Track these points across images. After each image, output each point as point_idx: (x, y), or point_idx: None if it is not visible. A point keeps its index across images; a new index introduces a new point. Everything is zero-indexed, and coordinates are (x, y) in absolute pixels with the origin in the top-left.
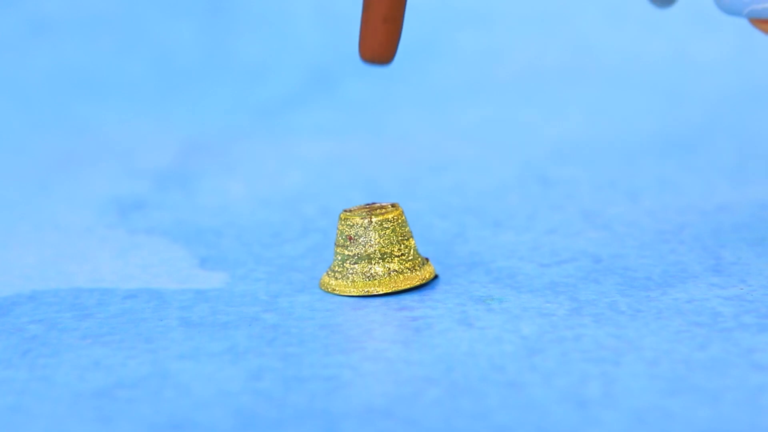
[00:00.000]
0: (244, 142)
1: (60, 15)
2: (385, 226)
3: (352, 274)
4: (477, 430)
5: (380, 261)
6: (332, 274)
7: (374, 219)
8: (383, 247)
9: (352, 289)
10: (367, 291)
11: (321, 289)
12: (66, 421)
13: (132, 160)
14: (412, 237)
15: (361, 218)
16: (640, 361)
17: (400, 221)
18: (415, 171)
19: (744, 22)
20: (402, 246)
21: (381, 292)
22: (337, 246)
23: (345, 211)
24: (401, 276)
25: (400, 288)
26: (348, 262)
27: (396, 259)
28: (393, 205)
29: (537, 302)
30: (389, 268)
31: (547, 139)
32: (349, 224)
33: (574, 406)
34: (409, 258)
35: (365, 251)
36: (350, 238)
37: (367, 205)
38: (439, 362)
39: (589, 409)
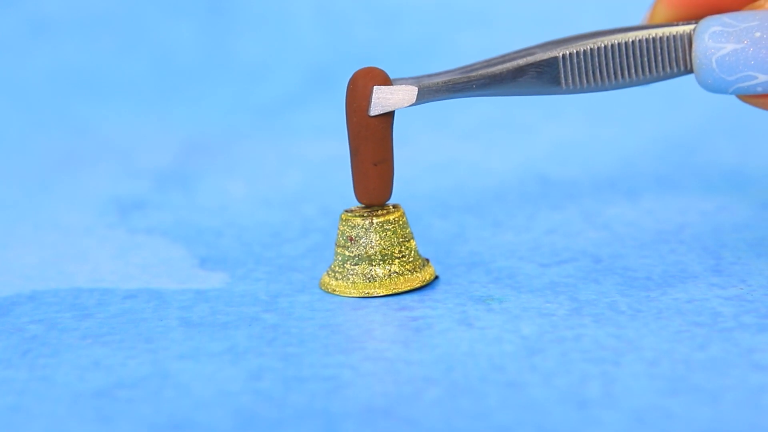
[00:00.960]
0: (244, 142)
1: (60, 15)
2: (386, 227)
3: (352, 275)
4: (477, 430)
5: (381, 262)
6: (332, 274)
7: (375, 220)
8: (384, 248)
9: (352, 290)
10: (368, 293)
11: (321, 289)
12: (66, 421)
13: (132, 160)
14: (413, 238)
15: (362, 219)
16: (640, 361)
17: (401, 222)
18: (415, 171)
19: None
20: (403, 247)
21: (381, 294)
22: (338, 246)
23: (346, 211)
24: (402, 278)
25: (400, 290)
26: (348, 263)
27: (397, 260)
28: (394, 206)
29: (537, 302)
30: (390, 270)
31: (547, 139)
32: (350, 225)
33: (574, 406)
34: (410, 259)
35: (366, 252)
36: (351, 239)
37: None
38: (439, 362)
39: (589, 409)
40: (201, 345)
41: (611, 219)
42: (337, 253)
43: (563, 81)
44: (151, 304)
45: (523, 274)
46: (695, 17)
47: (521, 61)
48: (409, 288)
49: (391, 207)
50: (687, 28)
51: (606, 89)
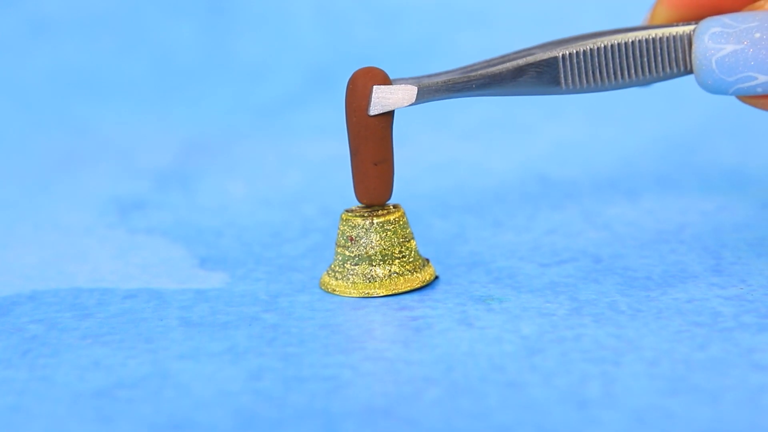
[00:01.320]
0: (244, 142)
1: (60, 15)
2: (386, 227)
3: (352, 275)
4: (477, 430)
5: (381, 263)
6: (332, 274)
7: (376, 221)
8: (384, 248)
9: (352, 291)
10: (368, 293)
11: (321, 288)
12: (66, 421)
13: (132, 160)
14: (413, 238)
15: (363, 219)
16: (640, 361)
17: (401, 223)
18: (415, 171)
19: None
20: (403, 248)
21: (381, 294)
22: (338, 246)
23: (346, 211)
24: (402, 278)
25: (400, 290)
26: (349, 263)
27: (397, 260)
28: (395, 206)
29: (537, 302)
30: (390, 270)
31: (547, 139)
32: (350, 225)
33: (574, 406)
34: (410, 260)
35: (366, 252)
36: (351, 239)
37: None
38: (439, 362)
39: (589, 409)
40: (201, 345)
41: (611, 219)
42: (337, 253)
43: (563, 81)
44: (151, 304)
45: (523, 274)
46: (695, 18)
47: (521, 61)
48: (409, 288)
49: (391, 207)
50: (687, 29)
51: (606, 89)
